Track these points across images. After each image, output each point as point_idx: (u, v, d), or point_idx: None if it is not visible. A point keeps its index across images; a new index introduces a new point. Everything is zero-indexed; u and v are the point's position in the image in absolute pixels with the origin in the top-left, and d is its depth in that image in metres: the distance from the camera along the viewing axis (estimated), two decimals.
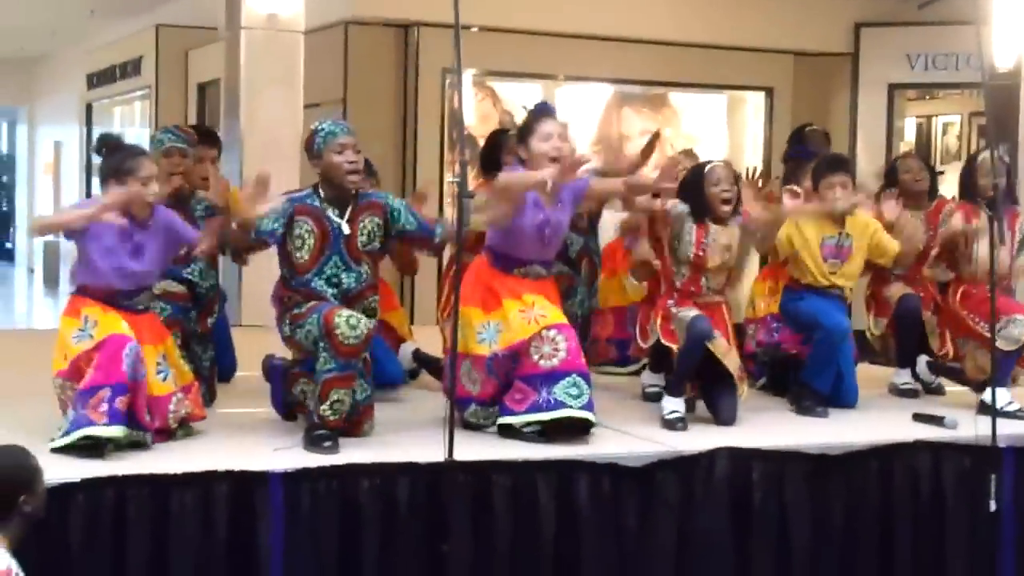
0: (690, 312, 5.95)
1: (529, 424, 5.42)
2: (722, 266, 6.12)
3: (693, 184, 6.12)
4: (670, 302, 6.07)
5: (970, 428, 5.63)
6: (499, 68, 12.36)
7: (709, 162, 6.24)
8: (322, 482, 4.71)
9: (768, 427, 5.95)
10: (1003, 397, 6.24)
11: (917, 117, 16.43)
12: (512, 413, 5.45)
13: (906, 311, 7.02)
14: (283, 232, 5.30)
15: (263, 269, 6.77)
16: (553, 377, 5.39)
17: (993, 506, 5.42)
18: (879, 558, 5.52)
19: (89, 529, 4.37)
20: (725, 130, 14.01)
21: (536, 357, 5.42)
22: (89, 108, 19.01)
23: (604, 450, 5.22)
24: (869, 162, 11.71)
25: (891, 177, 7.33)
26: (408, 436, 5.44)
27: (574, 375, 5.40)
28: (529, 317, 5.49)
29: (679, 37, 12.70)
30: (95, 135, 18.54)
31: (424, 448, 4.92)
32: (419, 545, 4.78)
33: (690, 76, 13.17)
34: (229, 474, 4.60)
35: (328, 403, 5.15)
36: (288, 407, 5.63)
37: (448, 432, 4.63)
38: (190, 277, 5.98)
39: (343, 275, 5.35)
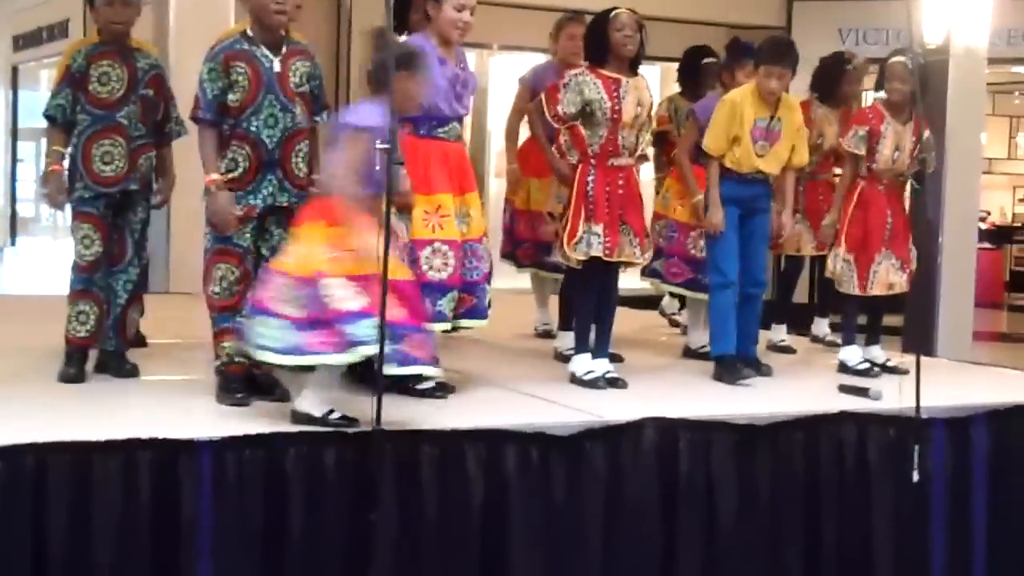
0: (594, 242, 6.00)
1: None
2: (635, 122, 6.14)
3: (596, 27, 6.16)
4: (589, 179, 6.07)
5: (894, 399, 5.70)
6: None
7: (614, 8, 6.25)
8: (248, 451, 4.66)
9: (695, 397, 5.99)
10: (855, 355, 6.73)
11: None
12: None
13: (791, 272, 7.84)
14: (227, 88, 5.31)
15: (193, 237, 6.71)
16: (441, 289, 5.53)
17: (916, 476, 5.48)
18: (806, 528, 5.57)
19: (8, 498, 4.29)
20: (658, 101, 14.02)
21: (426, 267, 5.50)
22: (15, 70, 18.72)
23: (532, 419, 5.22)
24: None
25: (832, 72, 7.60)
26: (337, 400, 5.40)
27: (456, 290, 5.60)
28: (431, 222, 5.56)
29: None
30: (20, 98, 18.37)
31: (353, 414, 4.90)
32: (346, 514, 4.75)
33: None
34: (153, 442, 4.54)
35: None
36: None
37: (376, 401, 4.61)
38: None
39: (279, 115, 5.35)
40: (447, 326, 5.69)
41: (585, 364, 6.09)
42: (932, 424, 5.70)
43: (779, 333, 7.66)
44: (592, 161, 6.10)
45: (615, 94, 6.09)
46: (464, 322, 5.79)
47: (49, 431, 4.57)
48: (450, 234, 5.59)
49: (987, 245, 15.81)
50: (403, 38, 5.95)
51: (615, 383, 6.03)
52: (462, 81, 5.76)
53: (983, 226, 15.68)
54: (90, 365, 5.88)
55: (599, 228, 6.02)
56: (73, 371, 5.74)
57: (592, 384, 5.99)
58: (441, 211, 5.59)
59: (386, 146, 4.75)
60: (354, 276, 4.80)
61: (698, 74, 7.79)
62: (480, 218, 5.83)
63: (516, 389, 5.94)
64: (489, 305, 5.92)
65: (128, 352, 6.02)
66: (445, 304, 5.56)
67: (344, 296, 4.77)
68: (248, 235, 5.36)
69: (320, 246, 4.88)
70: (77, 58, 5.80)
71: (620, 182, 6.11)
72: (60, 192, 5.85)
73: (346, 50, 11.71)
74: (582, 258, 6.04)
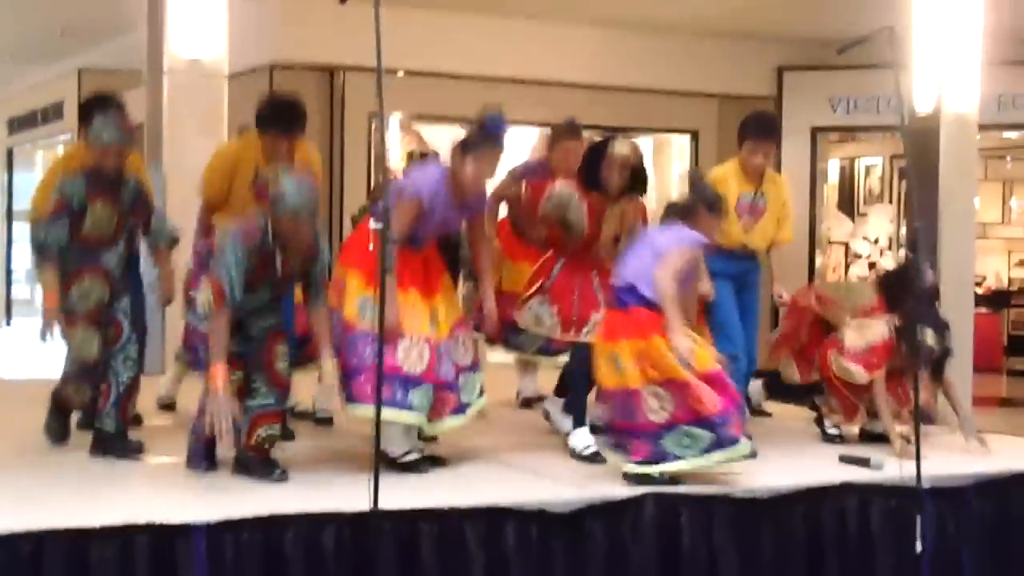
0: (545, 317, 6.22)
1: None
2: (612, 241, 6.27)
3: (593, 155, 6.19)
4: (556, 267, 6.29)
5: (895, 469, 5.66)
6: (425, 111, 12.37)
7: (613, 139, 6.25)
8: (246, 533, 4.63)
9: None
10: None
11: (840, 159, 16.65)
12: (362, 403, 5.46)
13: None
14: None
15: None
16: (414, 381, 5.51)
17: (919, 547, 5.44)
18: None
19: None
20: (651, 172, 14.10)
21: (402, 357, 5.48)
22: (10, 153, 18.80)
23: (531, 497, 5.19)
24: (793, 205, 11.82)
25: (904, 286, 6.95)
26: (334, 480, 5.41)
27: (430, 385, 5.56)
28: (406, 315, 5.54)
29: (605, 80, 12.79)
30: (16, 181, 18.44)
31: (350, 494, 4.88)
32: None
33: (616, 119, 13.23)
34: (150, 527, 4.51)
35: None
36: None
37: (374, 480, 4.58)
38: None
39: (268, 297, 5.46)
40: (412, 418, 5.57)
41: (584, 438, 6.06)
42: (932, 494, 5.66)
43: (755, 394, 7.48)
44: (562, 258, 6.30)
45: (596, 219, 6.21)
46: (448, 423, 5.74)
47: (46, 517, 4.53)
48: (424, 330, 5.62)
49: (984, 310, 15.79)
50: (428, 165, 5.95)
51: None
52: (455, 218, 5.90)
53: (980, 291, 15.68)
54: (86, 442, 5.88)
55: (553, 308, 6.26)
56: (56, 425, 5.95)
57: (591, 460, 5.95)
58: (416, 307, 5.63)
59: (380, 225, 4.78)
60: (659, 381, 5.37)
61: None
62: (450, 317, 5.82)
63: (510, 463, 5.91)
64: (481, 392, 5.91)
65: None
66: (415, 397, 5.53)
67: (653, 408, 5.37)
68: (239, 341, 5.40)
69: (630, 361, 5.43)
70: (76, 193, 5.78)
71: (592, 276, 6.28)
72: (56, 319, 5.83)
73: (340, 132, 11.76)
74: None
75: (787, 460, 6.32)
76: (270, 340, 5.44)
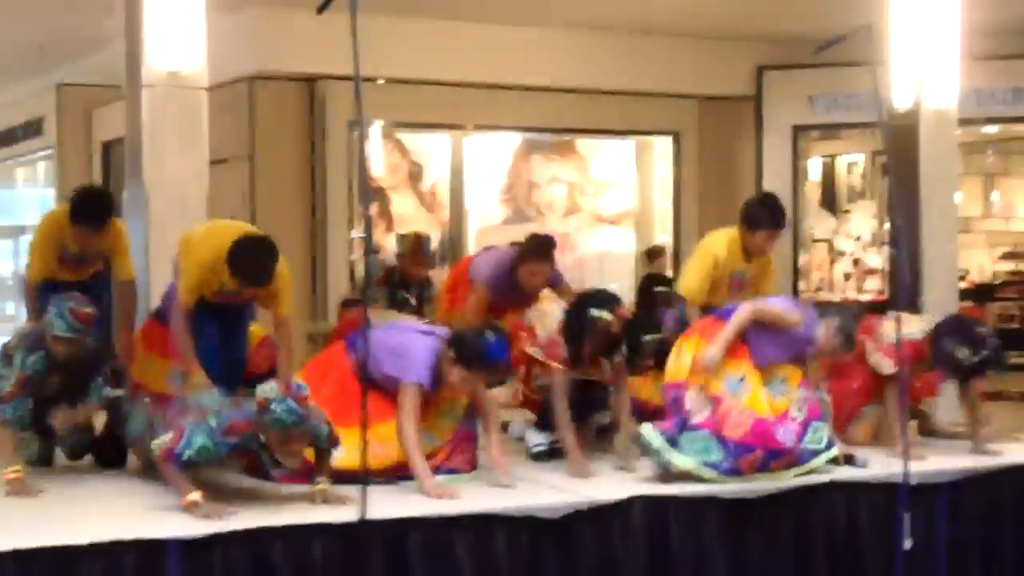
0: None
1: None
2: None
3: (575, 324, 6.05)
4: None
5: (882, 467, 5.68)
6: (406, 120, 12.36)
7: (597, 315, 6.12)
8: (234, 546, 4.63)
9: None
10: None
11: (822, 157, 16.67)
12: None
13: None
14: None
15: None
16: None
17: (908, 544, 5.46)
18: None
19: None
20: (633, 174, 14.13)
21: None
22: None
23: (520, 502, 5.18)
24: None
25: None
26: None
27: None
28: (371, 452, 5.10)
29: (586, 84, 12.80)
30: None
31: (339, 507, 4.89)
32: None
33: (597, 122, 13.28)
34: (137, 543, 4.50)
35: None
36: None
37: (362, 492, 4.58)
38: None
39: None
40: None
41: (538, 437, 6.24)
42: (919, 490, 5.68)
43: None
44: None
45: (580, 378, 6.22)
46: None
47: (33, 537, 4.51)
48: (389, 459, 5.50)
49: (969, 304, 15.83)
50: (421, 348, 5.74)
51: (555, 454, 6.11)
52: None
53: (963, 285, 15.70)
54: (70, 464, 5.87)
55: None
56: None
57: (537, 458, 6.13)
58: (375, 440, 5.27)
59: (363, 235, 4.77)
60: (702, 387, 5.68)
61: (654, 302, 7.87)
62: (449, 423, 5.79)
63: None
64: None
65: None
66: None
67: (693, 408, 5.66)
68: None
69: (689, 356, 5.77)
70: (37, 370, 5.66)
71: None
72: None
73: (321, 141, 11.73)
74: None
75: None
76: None
